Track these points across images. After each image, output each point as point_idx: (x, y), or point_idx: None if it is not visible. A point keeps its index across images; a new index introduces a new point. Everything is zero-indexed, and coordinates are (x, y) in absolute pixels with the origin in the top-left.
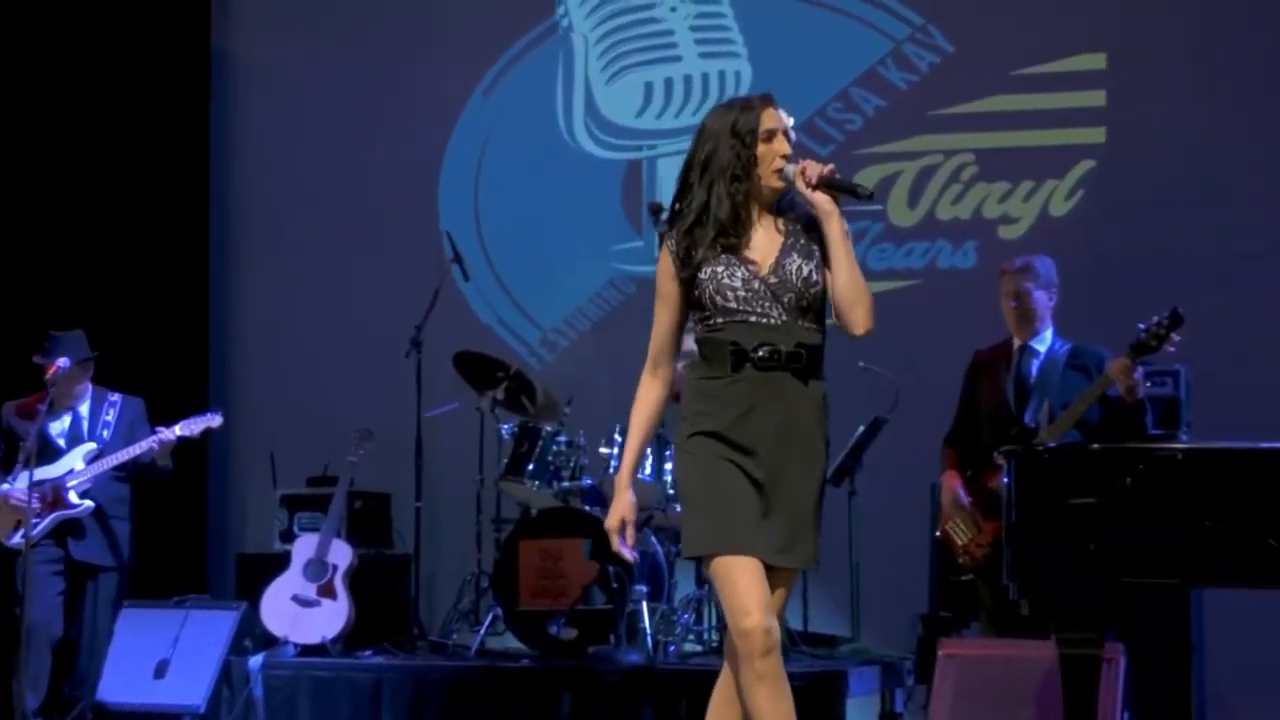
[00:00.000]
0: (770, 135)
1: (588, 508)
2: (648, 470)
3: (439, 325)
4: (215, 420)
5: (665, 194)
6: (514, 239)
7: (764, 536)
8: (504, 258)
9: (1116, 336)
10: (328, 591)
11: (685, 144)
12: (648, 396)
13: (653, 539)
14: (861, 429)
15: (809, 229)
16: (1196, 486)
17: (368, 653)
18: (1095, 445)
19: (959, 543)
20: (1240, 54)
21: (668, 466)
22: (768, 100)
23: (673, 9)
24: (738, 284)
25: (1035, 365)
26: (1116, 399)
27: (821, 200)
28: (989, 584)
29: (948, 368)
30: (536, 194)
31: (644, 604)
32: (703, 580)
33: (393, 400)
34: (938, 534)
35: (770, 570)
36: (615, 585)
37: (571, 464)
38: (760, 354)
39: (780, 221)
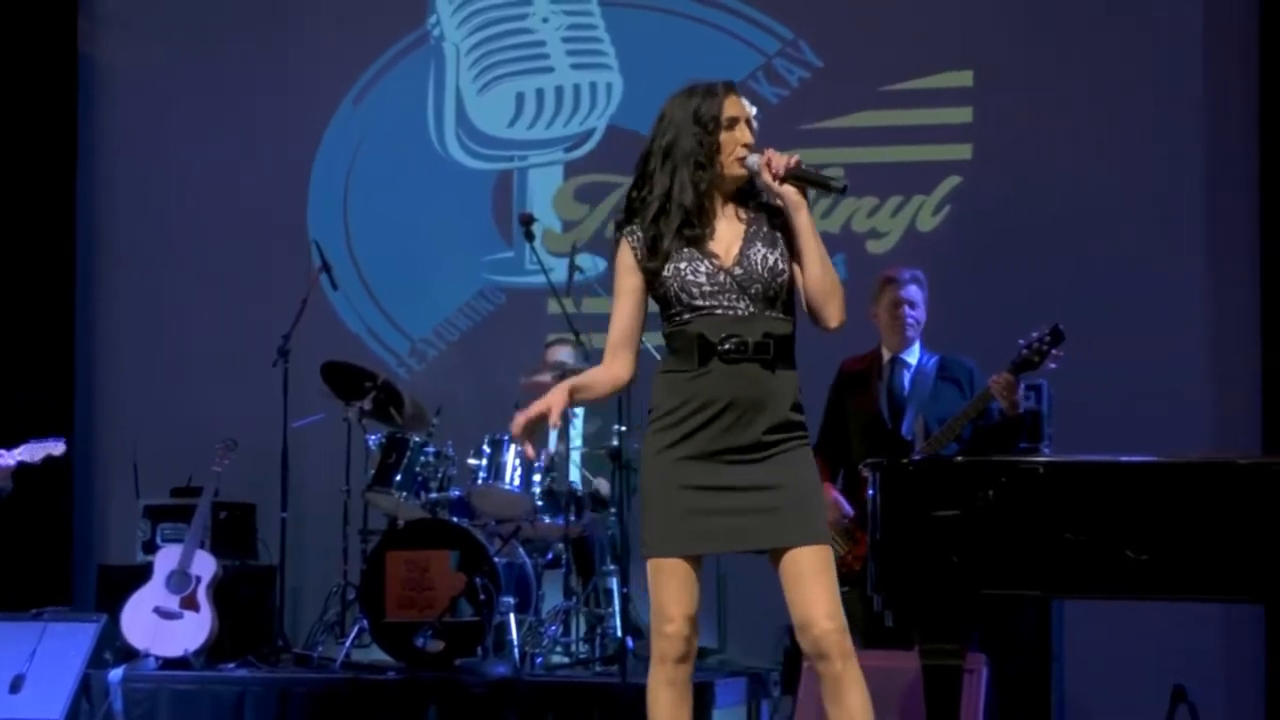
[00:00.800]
0: (733, 123)
1: (455, 519)
2: (516, 482)
3: (307, 335)
4: (58, 447)
5: (536, 205)
6: (384, 248)
7: (736, 528)
8: (373, 267)
9: (982, 351)
10: (190, 603)
11: (557, 155)
12: (604, 372)
13: (520, 550)
14: None
15: (770, 217)
16: (1057, 499)
17: (231, 665)
18: (959, 458)
19: (836, 554)
20: (1104, 73)
21: (536, 478)
22: (730, 87)
23: (545, 20)
24: (702, 279)
25: (907, 377)
26: (995, 413)
27: (790, 193)
28: (861, 593)
29: (815, 379)
30: (407, 203)
31: (511, 616)
32: (571, 592)
33: (259, 410)
34: None
35: (785, 554)
36: (483, 597)
37: (439, 475)
38: (727, 346)
39: (740, 210)
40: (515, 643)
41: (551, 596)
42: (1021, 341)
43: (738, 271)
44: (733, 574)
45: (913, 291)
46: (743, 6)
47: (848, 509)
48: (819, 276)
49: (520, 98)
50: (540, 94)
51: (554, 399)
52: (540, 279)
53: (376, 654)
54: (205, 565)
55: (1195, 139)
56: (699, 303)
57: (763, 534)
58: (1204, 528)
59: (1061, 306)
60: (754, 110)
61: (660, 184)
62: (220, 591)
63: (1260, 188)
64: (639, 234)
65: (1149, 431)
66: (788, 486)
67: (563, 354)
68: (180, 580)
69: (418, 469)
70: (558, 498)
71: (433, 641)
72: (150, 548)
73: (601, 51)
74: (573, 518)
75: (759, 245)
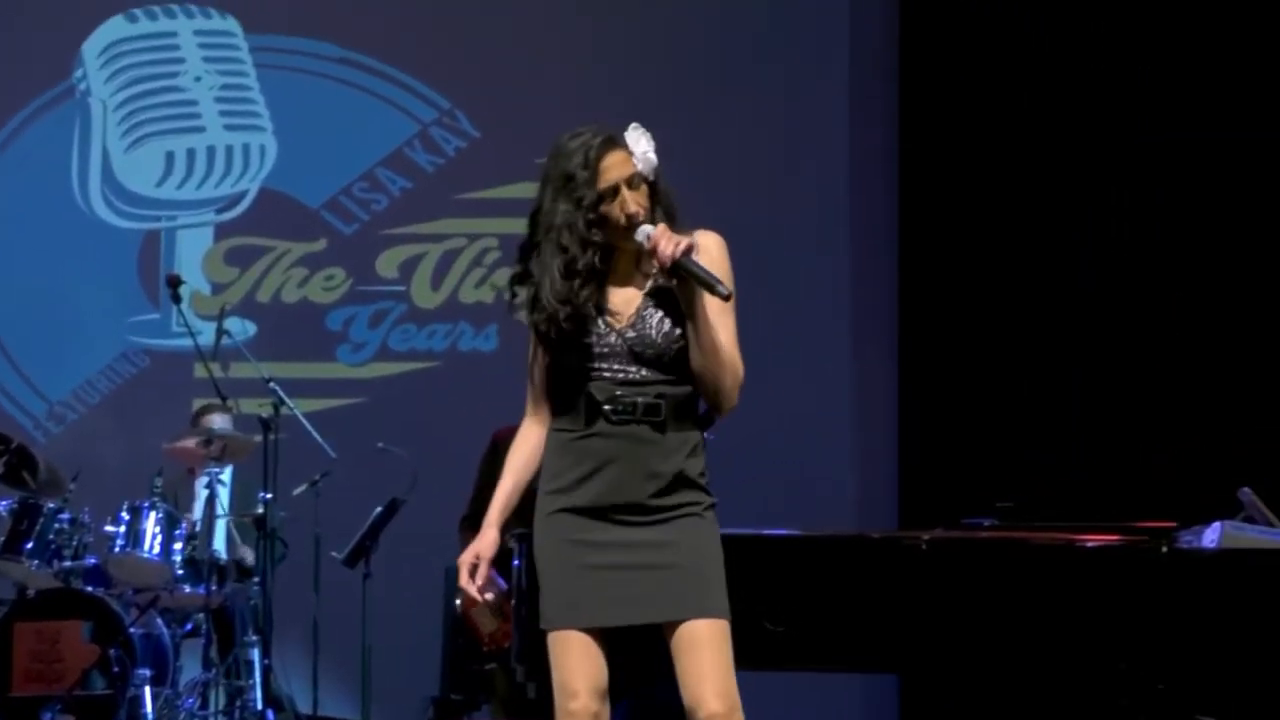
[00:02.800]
0: (614, 193)
1: (90, 588)
2: (155, 549)
3: None
4: None
5: (184, 266)
6: (21, 307)
7: (623, 601)
8: (9, 326)
9: None
10: None
11: (207, 216)
12: (527, 439)
13: (158, 621)
14: (378, 510)
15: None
16: None
17: None
18: None
19: (484, 630)
20: (756, 147)
21: (176, 546)
22: (609, 145)
23: (197, 79)
24: (593, 339)
25: None
26: None
27: (677, 282)
28: (507, 672)
29: (467, 450)
30: (47, 261)
31: (146, 688)
32: (210, 663)
33: None
34: (459, 614)
35: (679, 624)
36: (116, 669)
37: (74, 543)
38: (613, 407)
39: (644, 265)
40: (150, 716)
41: (190, 668)
42: None
43: (630, 335)
44: (378, 644)
45: None
46: (400, 74)
47: (501, 583)
48: (701, 369)
49: (170, 157)
50: (191, 154)
51: (479, 549)
52: (187, 342)
53: None
54: None
55: (842, 217)
56: (589, 366)
57: (660, 607)
58: (838, 600)
59: None
60: (644, 149)
61: (537, 268)
62: None
63: (899, 251)
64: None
65: (793, 509)
66: (684, 553)
67: (217, 421)
68: None
69: (51, 536)
70: (199, 566)
71: (62, 716)
72: None
73: (255, 113)
74: (214, 587)
75: (653, 308)
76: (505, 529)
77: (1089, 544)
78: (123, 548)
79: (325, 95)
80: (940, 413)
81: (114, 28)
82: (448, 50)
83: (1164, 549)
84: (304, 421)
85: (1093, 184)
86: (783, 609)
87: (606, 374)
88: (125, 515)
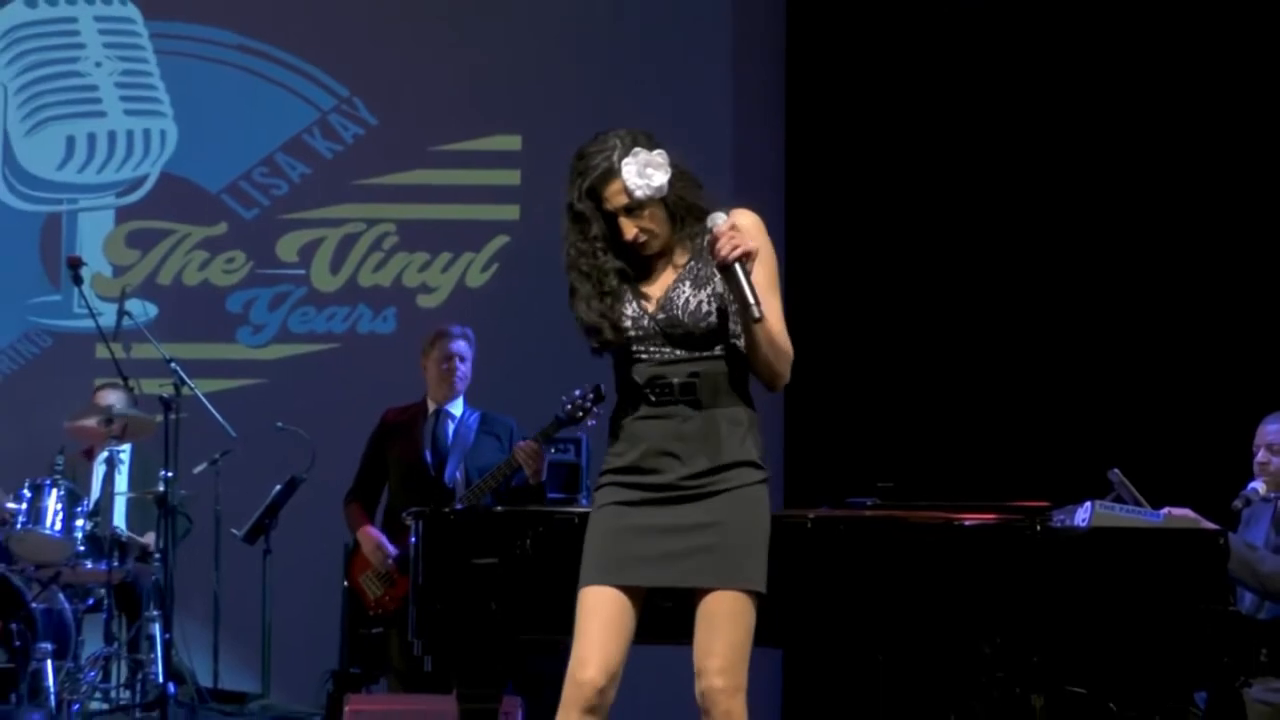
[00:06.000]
0: (626, 211)
1: None
2: (57, 526)
3: None
4: None
5: (85, 248)
6: None
7: (659, 564)
8: None
9: (526, 406)
10: None
11: (108, 199)
12: None
13: (60, 596)
14: (278, 488)
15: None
16: None
17: None
18: (499, 508)
19: (372, 595)
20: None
21: (78, 523)
22: (606, 177)
23: (98, 64)
24: (627, 323)
25: (451, 427)
26: (520, 480)
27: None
28: (400, 635)
29: (365, 429)
30: None
31: (49, 662)
32: (112, 637)
33: None
34: (345, 584)
35: (708, 592)
36: (18, 643)
37: None
38: (651, 389)
39: (681, 247)
40: (52, 690)
41: (92, 642)
42: (564, 398)
43: (661, 317)
44: (278, 619)
45: (462, 347)
46: (299, 62)
47: (392, 550)
48: (750, 351)
49: (71, 141)
50: (92, 138)
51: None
52: (89, 323)
53: None
54: None
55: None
56: (630, 349)
57: (698, 572)
58: None
59: (603, 366)
60: (637, 181)
61: (574, 282)
62: None
63: (786, 243)
64: None
65: None
66: (724, 527)
67: (112, 398)
68: None
69: None
70: (100, 542)
71: None
72: None
73: (156, 99)
74: (115, 563)
75: (685, 287)
76: (402, 508)
77: (966, 523)
78: (24, 524)
79: (225, 82)
80: (827, 399)
81: (13, 12)
82: (346, 38)
83: (1038, 527)
84: (205, 401)
85: (989, 172)
86: (671, 586)
87: (644, 356)
88: (27, 493)
